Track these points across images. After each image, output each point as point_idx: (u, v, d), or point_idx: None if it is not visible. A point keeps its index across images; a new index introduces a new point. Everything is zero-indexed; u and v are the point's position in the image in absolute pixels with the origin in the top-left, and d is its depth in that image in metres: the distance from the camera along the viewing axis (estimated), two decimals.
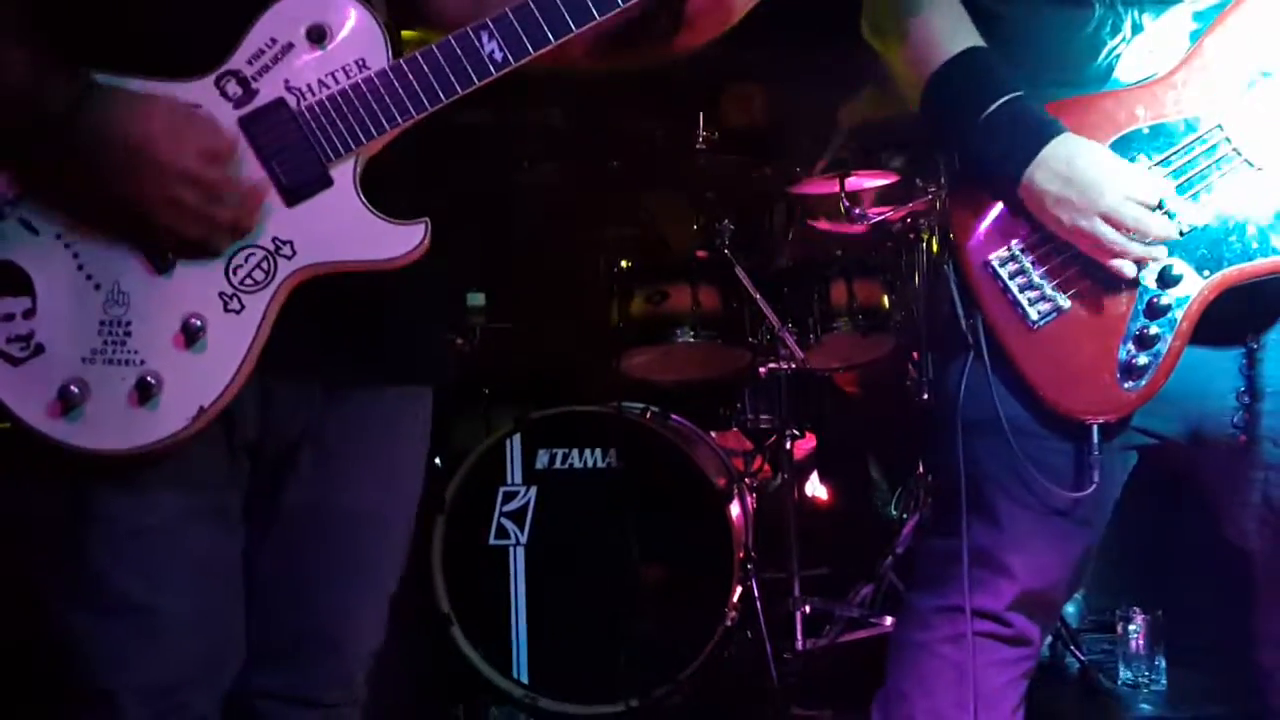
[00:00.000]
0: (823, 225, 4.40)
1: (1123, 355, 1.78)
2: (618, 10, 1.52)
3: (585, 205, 4.58)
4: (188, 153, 1.39)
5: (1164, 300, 1.77)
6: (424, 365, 1.71)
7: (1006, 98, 1.78)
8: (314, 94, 1.47)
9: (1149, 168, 1.77)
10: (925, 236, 4.04)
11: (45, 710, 1.52)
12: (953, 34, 1.84)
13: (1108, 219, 1.72)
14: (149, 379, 1.42)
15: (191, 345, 1.44)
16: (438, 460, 3.98)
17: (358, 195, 1.48)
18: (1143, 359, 1.77)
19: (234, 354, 1.45)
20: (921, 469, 4.19)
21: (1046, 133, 1.76)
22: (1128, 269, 1.75)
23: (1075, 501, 1.85)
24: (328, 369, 1.56)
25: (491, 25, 1.50)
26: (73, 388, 1.40)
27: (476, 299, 4.18)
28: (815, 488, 4.75)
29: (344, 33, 1.49)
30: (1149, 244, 1.74)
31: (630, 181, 4.44)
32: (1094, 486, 1.81)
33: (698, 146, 4.15)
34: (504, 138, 4.48)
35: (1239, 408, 1.84)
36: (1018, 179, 1.77)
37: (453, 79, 1.50)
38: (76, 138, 1.37)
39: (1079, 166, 1.74)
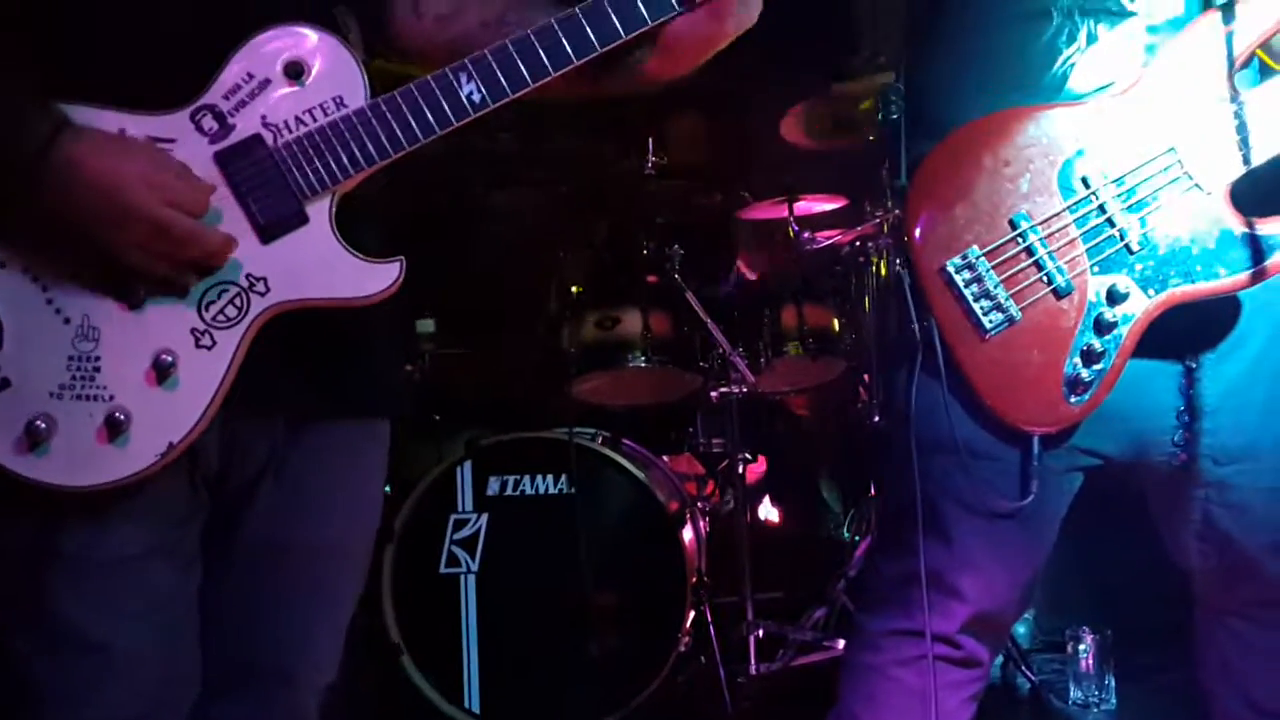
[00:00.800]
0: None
1: (1069, 369, 1.80)
2: (594, 55, 1.54)
3: (535, 230, 4.57)
4: (159, 200, 1.38)
5: (1109, 316, 1.78)
6: (385, 397, 1.71)
7: None
8: (291, 131, 1.48)
9: (1108, 182, 1.79)
10: (874, 260, 4.07)
11: None
12: None
13: None
14: (118, 415, 1.41)
15: (162, 381, 1.43)
16: (387, 488, 3.94)
17: (333, 233, 1.48)
18: (1087, 374, 1.79)
19: (205, 390, 1.44)
20: (873, 491, 4.21)
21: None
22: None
23: (1018, 509, 1.85)
24: (290, 402, 1.56)
25: (470, 66, 1.51)
26: (39, 423, 1.38)
27: (426, 325, 4.15)
28: (767, 511, 4.76)
29: (321, 70, 1.49)
30: None
31: (580, 207, 4.44)
32: (1032, 497, 1.83)
33: (647, 172, 4.16)
34: (453, 163, 4.47)
35: (1179, 426, 1.86)
36: None
37: (431, 119, 1.51)
38: (48, 176, 1.35)
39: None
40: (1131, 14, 1.81)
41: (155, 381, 1.43)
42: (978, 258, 1.81)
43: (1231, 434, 1.85)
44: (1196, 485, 1.87)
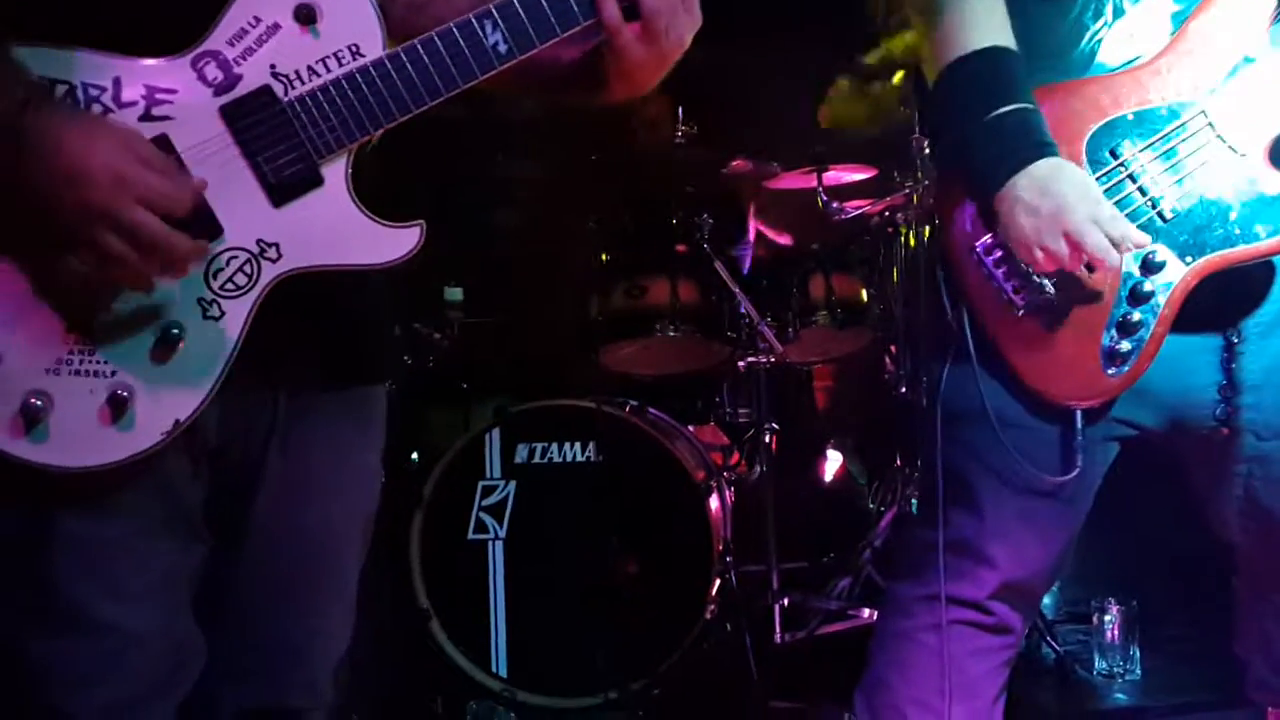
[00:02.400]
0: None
1: (1106, 341, 1.79)
2: None
3: (563, 199, 4.57)
4: (128, 197, 1.26)
5: (1147, 286, 1.78)
6: (386, 363, 1.67)
7: (1018, 105, 1.77)
8: (304, 82, 1.36)
9: (1139, 151, 1.78)
10: (903, 231, 4.06)
11: None
12: (985, 26, 1.83)
13: (1069, 237, 1.72)
14: (121, 392, 1.32)
15: (169, 355, 1.34)
16: (415, 455, 3.96)
17: (350, 195, 1.38)
18: (1125, 345, 1.78)
19: (212, 364, 1.36)
20: (899, 461, 4.21)
21: (1043, 151, 1.76)
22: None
23: (1059, 485, 1.86)
24: (290, 372, 1.49)
25: (496, 13, 1.40)
26: (34, 400, 1.30)
27: (455, 294, 4.16)
28: (793, 481, 4.76)
29: (336, 15, 1.37)
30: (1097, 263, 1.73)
31: (609, 175, 4.44)
32: (1078, 470, 1.82)
33: (676, 140, 4.15)
34: (479, 131, 4.46)
35: (1220, 400, 1.85)
36: (1001, 184, 1.76)
37: (454, 71, 1.40)
38: (7, 149, 1.24)
39: (1059, 183, 1.73)
40: None
41: (161, 355, 1.34)
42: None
43: (1275, 409, 1.83)
44: (1238, 460, 1.87)
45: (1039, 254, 1.74)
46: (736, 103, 4.70)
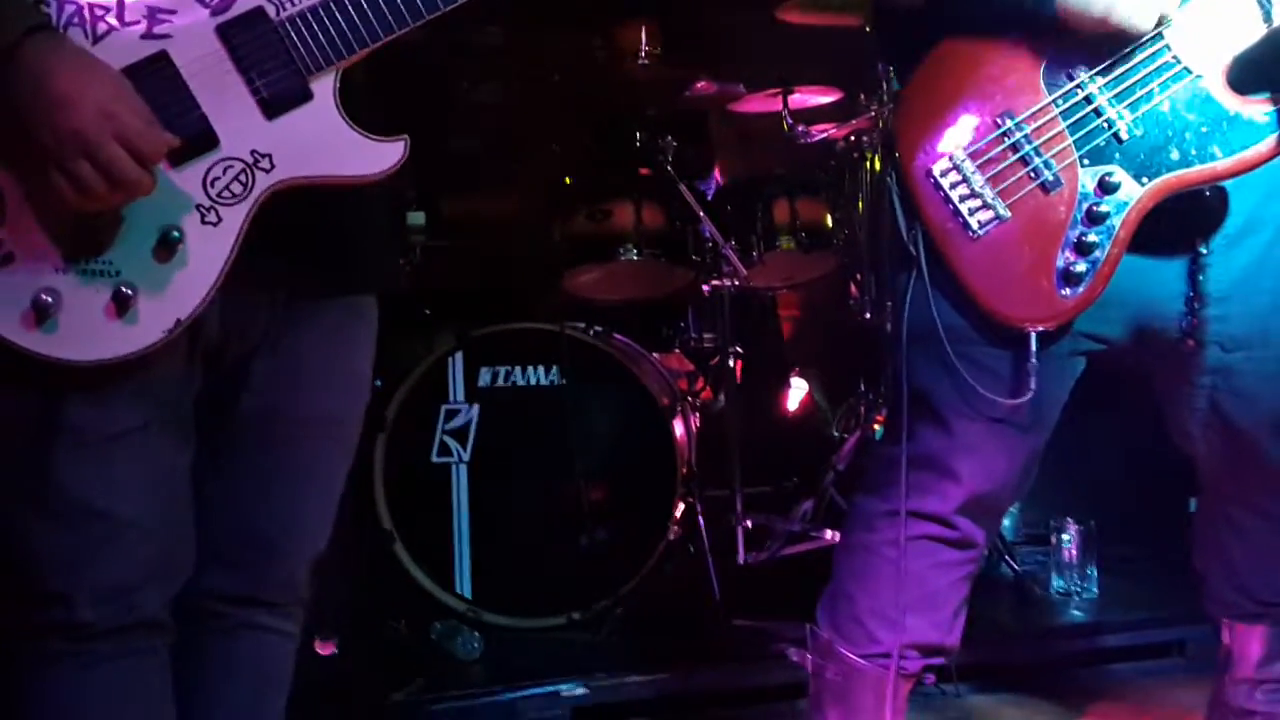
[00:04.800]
0: None
1: (1061, 262, 1.80)
2: None
3: (526, 123, 4.52)
4: (109, 131, 1.34)
5: (1102, 207, 1.78)
6: (382, 273, 1.73)
7: None
8: (294, 3, 1.46)
9: (1095, 73, 1.77)
10: (868, 155, 4.04)
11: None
12: None
13: None
14: (125, 290, 1.41)
15: (169, 257, 1.43)
16: (377, 381, 3.94)
17: (338, 109, 1.48)
18: (1080, 266, 1.79)
19: (211, 267, 1.44)
20: (863, 387, 4.23)
21: None
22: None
23: (1015, 408, 1.87)
24: (290, 278, 1.57)
25: None
26: (45, 297, 1.38)
27: (417, 218, 4.10)
28: (758, 407, 4.78)
29: None
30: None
31: (571, 98, 4.39)
32: (1031, 394, 1.84)
33: (639, 62, 4.11)
34: (441, 55, 4.40)
35: (1186, 312, 1.86)
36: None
37: None
38: (19, 66, 1.33)
39: None
40: None
41: (162, 257, 1.43)
42: (963, 160, 1.82)
43: (1241, 321, 1.85)
44: (1203, 372, 1.88)
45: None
46: (699, 24, 4.64)
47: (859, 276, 4.13)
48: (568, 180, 3.99)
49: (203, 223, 1.44)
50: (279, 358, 1.60)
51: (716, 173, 4.71)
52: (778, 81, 4.11)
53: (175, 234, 1.43)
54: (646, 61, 4.11)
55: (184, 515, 1.59)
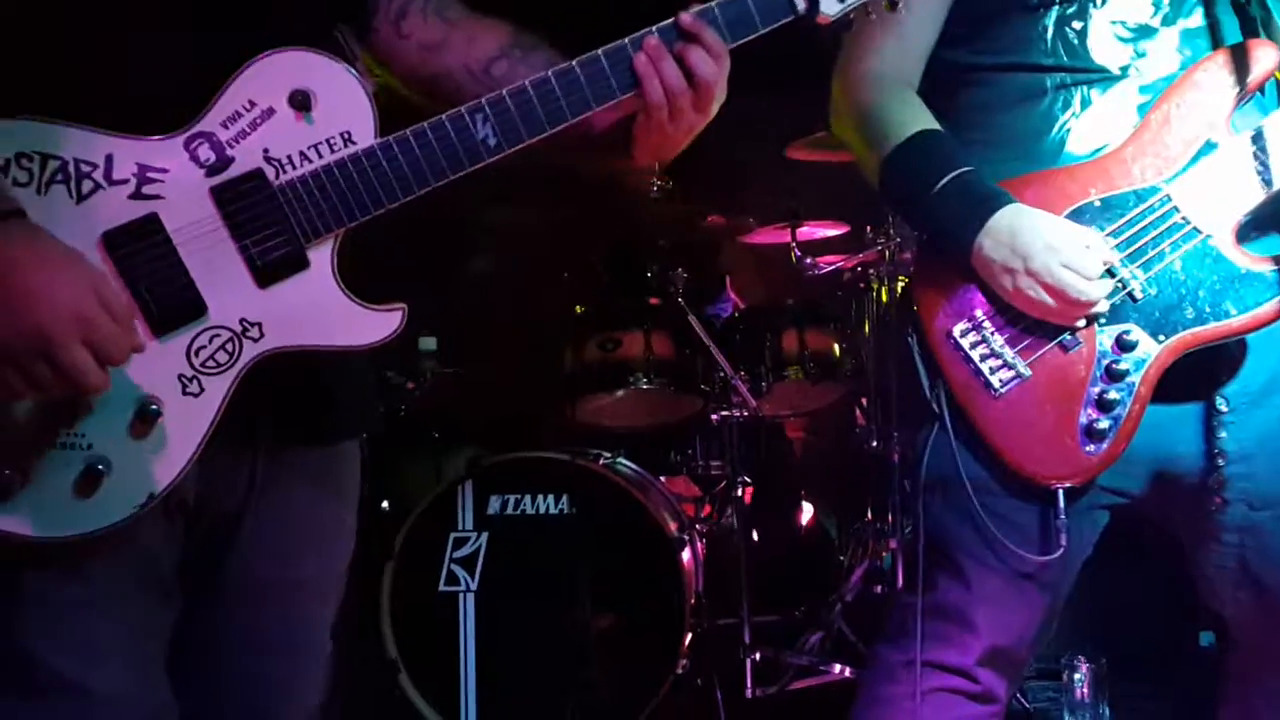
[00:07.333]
0: None
1: (1083, 419, 1.81)
2: (615, 100, 1.47)
3: (538, 250, 4.58)
4: (74, 337, 1.25)
5: (1122, 365, 1.80)
6: (365, 418, 1.67)
7: (956, 172, 1.83)
8: (295, 167, 1.38)
9: (1106, 235, 1.82)
10: (875, 286, 4.10)
11: None
12: (910, 120, 1.89)
13: (1047, 288, 1.76)
14: (98, 466, 1.32)
15: (147, 431, 1.34)
16: (385, 505, 3.94)
17: (335, 278, 1.40)
18: (1104, 422, 1.80)
19: (189, 439, 1.36)
20: (870, 515, 4.23)
21: (994, 204, 1.80)
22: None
23: (1044, 565, 1.86)
24: (267, 434, 1.50)
25: (487, 108, 1.43)
26: (6, 470, 1.29)
27: (428, 343, 4.16)
28: (766, 533, 4.77)
29: (330, 101, 1.39)
30: (1084, 304, 1.77)
31: (584, 227, 4.46)
32: (1062, 550, 1.83)
33: (652, 194, 4.19)
34: (456, 180, 4.47)
35: (1210, 469, 1.86)
36: (969, 247, 1.81)
37: (444, 162, 1.42)
38: None
39: (1022, 233, 1.77)
40: (1123, 76, 1.85)
41: (139, 431, 1.34)
42: (982, 320, 1.84)
43: (1268, 479, 1.84)
44: (1230, 530, 1.87)
45: (1033, 310, 1.79)
46: (711, 158, 4.73)
47: (864, 403, 4.16)
48: (579, 309, 4.04)
49: (184, 394, 1.35)
50: (267, 518, 1.51)
51: (730, 291, 4.76)
52: (786, 215, 4.18)
53: (154, 408, 1.33)
54: (659, 194, 4.19)
55: (161, 680, 1.49)
